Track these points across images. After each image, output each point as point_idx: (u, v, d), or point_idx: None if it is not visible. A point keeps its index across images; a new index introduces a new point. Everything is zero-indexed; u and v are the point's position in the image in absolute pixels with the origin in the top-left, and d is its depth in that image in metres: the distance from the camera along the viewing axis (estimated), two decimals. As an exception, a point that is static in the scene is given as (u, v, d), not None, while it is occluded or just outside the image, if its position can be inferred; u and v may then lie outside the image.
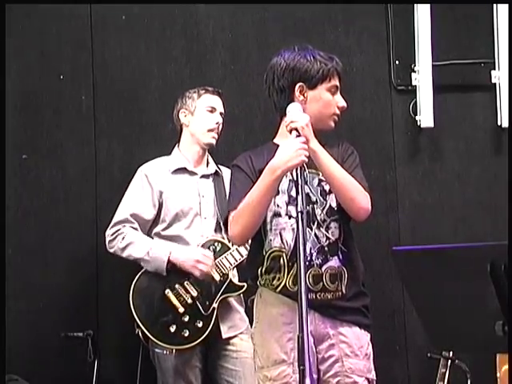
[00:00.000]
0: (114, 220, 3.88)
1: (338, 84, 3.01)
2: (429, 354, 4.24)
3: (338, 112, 3.01)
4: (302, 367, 2.53)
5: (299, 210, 2.58)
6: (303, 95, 2.96)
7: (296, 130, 2.80)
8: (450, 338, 2.24)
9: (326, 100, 2.98)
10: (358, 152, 3.03)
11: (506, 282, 2.01)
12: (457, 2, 4.60)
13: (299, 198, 2.60)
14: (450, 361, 4.11)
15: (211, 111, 3.94)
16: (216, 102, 3.96)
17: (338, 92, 3.02)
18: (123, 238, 3.83)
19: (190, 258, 3.77)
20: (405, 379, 4.54)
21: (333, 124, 3.00)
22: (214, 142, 3.95)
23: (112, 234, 3.85)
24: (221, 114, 3.97)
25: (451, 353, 4.11)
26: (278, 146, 2.91)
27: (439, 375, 4.13)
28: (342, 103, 3.01)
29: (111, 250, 3.86)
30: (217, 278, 3.81)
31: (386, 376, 4.33)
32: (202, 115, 3.93)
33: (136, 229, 3.85)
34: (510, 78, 4.55)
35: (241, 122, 4.19)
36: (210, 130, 3.93)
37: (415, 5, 4.58)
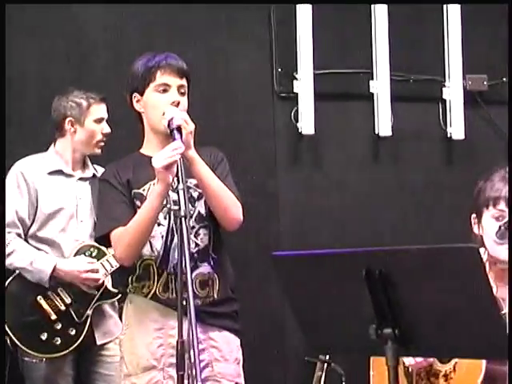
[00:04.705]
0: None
1: (167, 81, 2.84)
2: (306, 358, 4.31)
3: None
4: (181, 373, 2.53)
5: (182, 214, 2.53)
6: (139, 103, 2.90)
7: (179, 129, 2.70)
8: (327, 341, 2.28)
9: (153, 101, 2.85)
10: (239, 158, 3.03)
11: (380, 287, 2.06)
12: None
13: (182, 203, 2.55)
14: (326, 364, 4.20)
15: (99, 122, 3.83)
16: (103, 110, 3.85)
17: (173, 89, 2.85)
18: (7, 245, 3.67)
19: (75, 271, 3.66)
20: (282, 383, 4.59)
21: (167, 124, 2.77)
22: (99, 151, 3.87)
23: None
24: (106, 121, 3.86)
25: (327, 356, 4.18)
26: (145, 156, 2.87)
27: (315, 378, 4.21)
28: (173, 99, 2.83)
29: None
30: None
31: (263, 380, 4.38)
32: (91, 127, 3.80)
33: (20, 235, 3.72)
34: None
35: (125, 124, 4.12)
36: (99, 141, 3.84)
37: (297, 12, 4.63)
